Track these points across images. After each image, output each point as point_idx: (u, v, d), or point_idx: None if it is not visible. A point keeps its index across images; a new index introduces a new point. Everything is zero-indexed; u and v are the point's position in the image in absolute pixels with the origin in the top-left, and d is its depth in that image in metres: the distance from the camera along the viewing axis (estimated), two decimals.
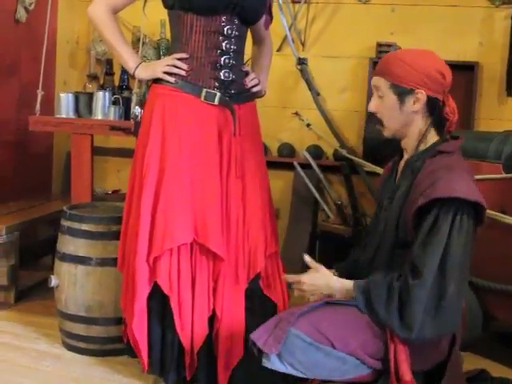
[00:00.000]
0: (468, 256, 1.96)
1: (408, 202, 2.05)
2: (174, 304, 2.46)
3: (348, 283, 2.09)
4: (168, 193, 2.47)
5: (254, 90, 2.71)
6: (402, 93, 2.07)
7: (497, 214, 2.99)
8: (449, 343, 2.11)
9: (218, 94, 2.56)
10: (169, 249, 2.45)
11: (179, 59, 2.56)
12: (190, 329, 2.48)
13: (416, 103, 2.07)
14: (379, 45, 4.32)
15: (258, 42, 2.88)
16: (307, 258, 2.19)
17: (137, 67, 2.60)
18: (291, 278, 2.20)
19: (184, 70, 2.55)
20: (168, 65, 2.56)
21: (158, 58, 4.60)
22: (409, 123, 2.11)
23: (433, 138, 2.12)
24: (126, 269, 2.58)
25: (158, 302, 2.52)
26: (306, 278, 2.15)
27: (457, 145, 2.10)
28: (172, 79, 2.55)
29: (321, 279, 2.14)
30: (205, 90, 2.55)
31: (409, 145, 2.15)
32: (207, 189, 2.51)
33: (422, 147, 2.11)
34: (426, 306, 1.92)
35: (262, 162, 2.72)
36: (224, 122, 2.58)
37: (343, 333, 1.98)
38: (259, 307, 2.57)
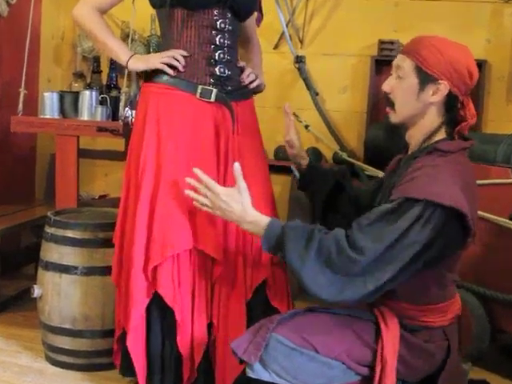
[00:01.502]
0: (425, 256, 1.93)
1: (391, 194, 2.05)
2: (179, 315, 2.46)
3: (265, 219, 2.10)
4: (165, 197, 2.47)
5: (254, 84, 2.71)
6: (425, 79, 2.04)
7: (505, 220, 3.00)
8: (443, 355, 2.12)
9: (215, 90, 2.56)
10: (170, 256, 2.45)
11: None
12: (190, 340, 2.48)
13: (435, 94, 2.04)
14: (381, 42, 4.33)
15: (245, 41, 2.87)
16: (237, 167, 2.18)
17: (129, 58, 2.60)
18: (206, 179, 2.19)
19: (182, 65, 2.55)
20: (168, 56, 2.55)
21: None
22: (422, 114, 2.08)
23: (440, 136, 2.09)
24: (124, 281, 2.57)
25: (157, 314, 2.51)
26: (224, 193, 2.16)
27: (461, 145, 2.07)
28: (171, 71, 2.55)
29: (238, 203, 2.14)
30: (200, 86, 2.55)
31: (414, 139, 2.12)
32: None
33: (426, 145, 2.09)
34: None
35: (263, 164, 2.72)
36: (221, 120, 2.59)
37: (327, 338, 1.99)
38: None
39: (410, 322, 2.07)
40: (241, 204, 2.14)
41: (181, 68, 2.55)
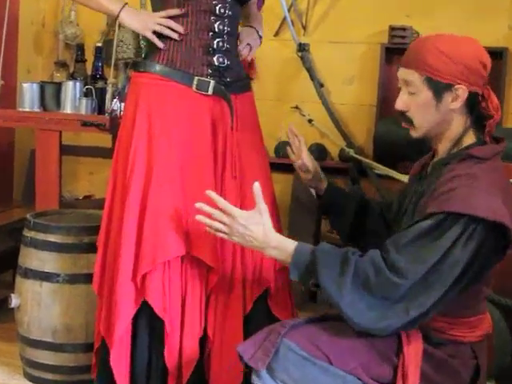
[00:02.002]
0: (466, 276, 1.94)
1: (420, 205, 2.05)
2: (168, 326, 2.45)
3: (290, 243, 2.08)
4: (157, 198, 2.46)
5: (249, 57, 2.71)
6: (440, 88, 2.03)
7: None
8: (471, 374, 2.10)
9: (212, 81, 2.55)
10: (161, 263, 2.43)
11: (173, 17, 2.53)
12: (178, 354, 2.47)
13: (455, 101, 2.03)
14: (392, 29, 4.33)
15: (246, 19, 2.86)
16: (257, 187, 2.14)
17: (121, 9, 2.57)
18: (223, 202, 2.16)
19: (178, 33, 2.52)
20: (160, 24, 2.53)
21: (138, 43, 4.59)
22: (445, 123, 2.07)
23: (469, 140, 2.08)
24: (108, 290, 2.55)
25: (145, 325, 2.50)
26: (243, 216, 2.12)
27: (495, 150, 2.06)
28: (161, 44, 2.53)
29: (259, 225, 2.11)
30: (197, 78, 2.54)
31: (441, 147, 2.12)
32: (200, 193, 2.49)
33: (455, 150, 2.08)
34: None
35: (264, 163, 2.71)
36: (219, 115, 2.57)
37: (342, 349, 1.98)
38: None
39: (437, 335, 2.06)
40: (262, 227, 2.11)
41: (175, 36, 2.52)
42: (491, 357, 2.18)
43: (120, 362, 2.49)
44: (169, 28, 2.53)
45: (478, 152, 2.03)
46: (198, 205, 2.21)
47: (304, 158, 2.54)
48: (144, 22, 2.57)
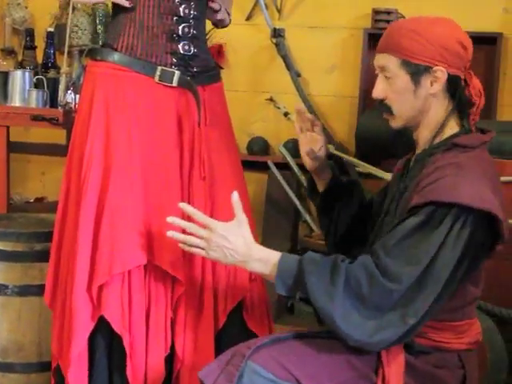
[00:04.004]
0: (458, 273, 1.97)
1: (403, 202, 2.07)
2: (127, 344, 2.45)
3: (274, 255, 2.08)
4: (115, 202, 2.45)
5: (218, 16, 2.69)
6: (417, 72, 2.07)
7: None
8: None
9: (177, 72, 2.55)
10: (119, 274, 2.43)
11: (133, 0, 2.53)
12: (144, 373, 2.47)
13: (434, 84, 2.07)
14: (376, 12, 4.36)
15: None
16: (235, 197, 2.12)
17: None
18: (199, 215, 2.15)
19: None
20: None
21: (94, 28, 4.59)
22: (425, 109, 2.11)
23: (452, 129, 2.12)
24: (61, 303, 2.55)
25: (104, 342, 2.49)
26: (221, 228, 2.11)
27: (482, 139, 2.10)
28: (127, 3, 2.51)
29: (240, 238, 2.10)
30: (160, 67, 2.54)
31: (422, 137, 2.15)
32: (164, 195, 2.50)
33: (438, 140, 2.12)
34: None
35: (236, 162, 2.71)
36: (185, 109, 2.57)
37: (314, 370, 1.99)
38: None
39: (420, 342, 2.07)
40: (242, 239, 2.10)
41: (127, 4, 2.50)
42: (484, 372, 2.20)
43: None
44: None
45: (464, 140, 2.07)
46: (170, 219, 2.19)
47: (320, 144, 2.42)
48: None
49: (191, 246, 2.15)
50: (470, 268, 2.00)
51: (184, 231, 2.18)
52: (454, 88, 2.09)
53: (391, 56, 2.09)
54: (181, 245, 2.19)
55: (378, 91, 2.14)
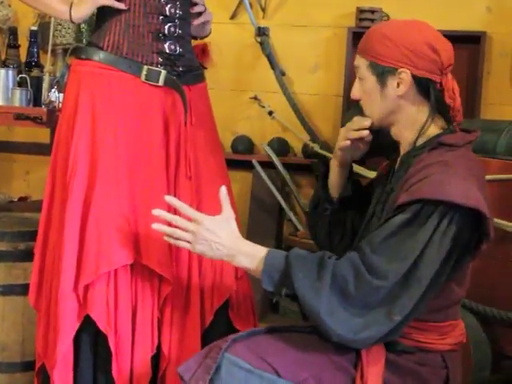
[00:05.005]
0: (444, 271, 1.98)
1: (389, 203, 2.09)
2: (112, 343, 2.44)
3: (261, 249, 2.09)
4: (101, 201, 2.45)
5: (200, 19, 2.67)
6: (382, 73, 2.11)
7: (509, 224, 3.02)
8: None
9: (163, 71, 2.55)
10: (105, 273, 2.43)
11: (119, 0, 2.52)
12: (129, 372, 2.47)
13: (400, 85, 2.11)
14: (360, 11, 4.36)
15: None
16: (223, 191, 2.15)
17: (70, 8, 2.55)
18: (186, 208, 2.16)
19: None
20: None
21: (78, 27, 4.57)
22: (395, 110, 2.14)
23: (435, 130, 2.14)
24: (46, 303, 2.54)
25: (89, 341, 2.49)
26: (208, 221, 2.12)
27: (467, 139, 2.12)
28: (122, 5, 2.51)
29: (228, 232, 2.12)
30: (146, 67, 2.54)
31: (403, 138, 2.17)
32: (150, 194, 2.50)
33: (421, 141, 2.13)
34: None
35: (220, 160, 2.72)
36: (171, 108, 2.57)
37: (291, 361, 2.00)
38: None
39: (402, 342, 2.08)
40: (229, 232, 2.12)
41: (122, 6, 2.51)
42: (468, 370, 2.21)
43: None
44: None
45: (449, 139, 2.10)
46: (157, 212, 2.19)
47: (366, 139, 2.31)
48: None
49: (178, 239, 2.15)
50: (455, 267, 2.02)
51: (170, 224, 2.17)
52: (425, 90, 2.12)
53: (362, 58, 2.16)
54: (166, 238, 2.18)
55: (354, 92, 2.22)
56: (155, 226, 2.17)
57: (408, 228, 1.97)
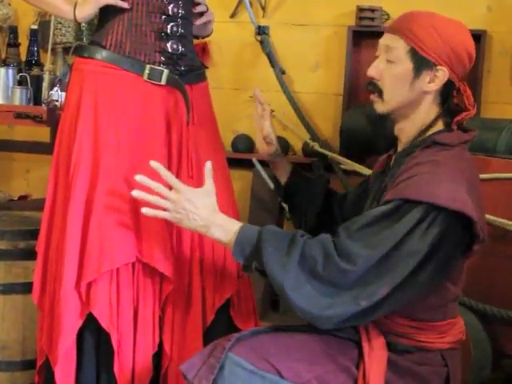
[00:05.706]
0: (428, 268, 1.96)
1: (383, 198, 2.07)
2: (115, 341, 2.45)
3: (236, 223, 2.11)
4: (103, 200, 2.45)
5: (203, 19, 2.68)
6: (421, 64, 2.06)
7: (509, 223, 3.02)
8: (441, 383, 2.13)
9: (166, 70, 2.55)
10: (107, 271, 2.43)
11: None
12: (131, 370, 2.47)
13: (432, 82, 2.07)
14: (360, 9, 4.36)
15: None
16: (208, 166, 2.18)
17: (74, 8, 2.55)
18: (169, 176, 2.18)
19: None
20: None
21: (78, 26, 4.57)
22: (415, 104, 2.11)
23: (434, 130, 2.12)
24: (50, 301, 2.54)
25: (91, 339, 2.49)
26: (189, 192, 2.14)
27: (462, 138, 2.10)
28: (125, 4, 2.51)
29: (206, 205, 2.13)
30: (148, 66, 2.53)
31: (405, 133, 2.15)
32: (152, 193, 2.49)
33: (420, 139, 2.12)
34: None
35: (221, 159, 2.72)
36: (173, 108, 2.57)
37: (294, 362, 2.00)
38: None
39: (402, 341, 2.08)
40: (208, 204, 2.13)
41: (126, 5, 2.50)
42: (469, 369, 2.21)
43: (66, 381, 2.48)
44: None
45: (443, 138, 2.07)
46: (138, 177, 2.20)
47: (267, 128, 2.51)
48: None
49: (158, 207, 2.16)
50: (445, 266, 2.00)
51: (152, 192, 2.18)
52: (447, 94, 2.10)
53: (401, 40, 2.08)
54: (144, 209, 2.19)
55: (375, 71, 2.13)
56: (136, 193, 2.19)
57: (387, 220, 1.96)
